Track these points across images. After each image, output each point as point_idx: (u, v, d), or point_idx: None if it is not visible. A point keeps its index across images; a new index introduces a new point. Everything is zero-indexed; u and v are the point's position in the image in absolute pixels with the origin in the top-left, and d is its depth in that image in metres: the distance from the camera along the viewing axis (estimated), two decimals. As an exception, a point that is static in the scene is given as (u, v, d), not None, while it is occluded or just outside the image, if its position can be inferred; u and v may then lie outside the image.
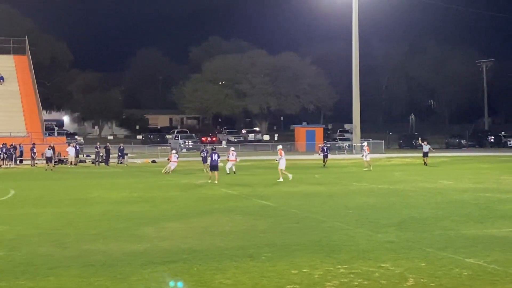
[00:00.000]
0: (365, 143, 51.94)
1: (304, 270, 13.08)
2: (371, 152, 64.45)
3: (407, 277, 12.52)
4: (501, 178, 36.88)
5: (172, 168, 42.56)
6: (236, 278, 12.50)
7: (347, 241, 16.40)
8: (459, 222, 19.50)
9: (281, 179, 35.35)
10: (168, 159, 44.46)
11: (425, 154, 49.75)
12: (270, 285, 12.03)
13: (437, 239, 16.69)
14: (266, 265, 13.64)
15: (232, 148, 43.68)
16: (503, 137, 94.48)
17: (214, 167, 35.05)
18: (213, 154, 35.57)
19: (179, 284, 12.08)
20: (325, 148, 52.34)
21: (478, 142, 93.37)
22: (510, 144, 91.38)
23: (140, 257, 14.54)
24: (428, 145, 51.00)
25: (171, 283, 12.16)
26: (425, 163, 49.00)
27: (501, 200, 25.29)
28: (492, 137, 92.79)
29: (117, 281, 12.49)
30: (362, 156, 47.19)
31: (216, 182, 34.32)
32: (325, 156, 51.05)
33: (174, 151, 45.39)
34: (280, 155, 36.96)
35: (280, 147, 38.75)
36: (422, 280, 12.29)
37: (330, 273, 12.87)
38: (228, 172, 40.91)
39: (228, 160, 41.79)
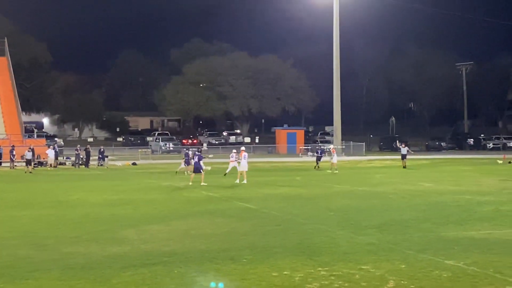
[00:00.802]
0: (331, 146, 52.40)
1: (285, 273, 13.10)
2: (352, 155, 64.89)
3: (387, 279, 12.57)
4: (481, 180, 37.13)
5: (183, 166, 41.38)
6: (217, 281, 12.49)
7: (328, 243, 16.44)
8: (439, 224, 19.62)
9: (245, 181, 35.37)
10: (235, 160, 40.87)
11: (404, 157, 49.86)
12: (251, 287, 12.03)
13: (417, 241, 16.77)
14: (247, 267, 13.65)
15: (234, 150, 42.79)
16: (482, 140, 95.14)
17: (196, 169, 35.02)
18: (196, 157, 35.59)
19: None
20: (319, 151, 51.98)
21: (458, 144, 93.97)
22: (489, 146, 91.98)
23: (121, 260, 14.49)
24: (406, 147, 51.20)
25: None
26: (404, 165, 49.11)
27: (480, 202, 25.46)
28: (472, 139, 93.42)
29: (97, 284, 12.44)
30: (331, 158, 47.24)
31: (202, 184, 34.28)
32: (318, 159, 50.67)
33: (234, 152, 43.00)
34: (241, 156, 37.00)
35: (243, 148, 38.60)
36: (402, 282, 12.34)
37: (311, 275, 12.89)
38: (226, 172, 39.48)
39: (230, 161, 40.04)
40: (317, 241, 16.79)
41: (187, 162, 41.20)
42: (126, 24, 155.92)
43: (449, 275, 12.88)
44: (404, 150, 50.33)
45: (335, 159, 46.29)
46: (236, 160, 39.31)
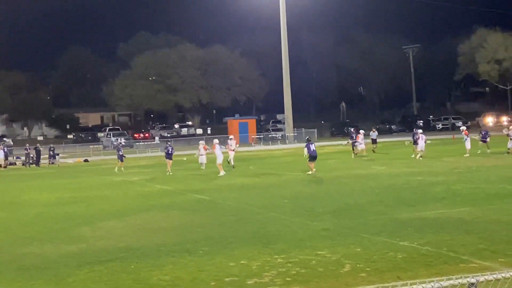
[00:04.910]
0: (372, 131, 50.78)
1: (242, 262, 13.13)
2: (304, 142, 64.48)
3: (343, 263, 12.68)
4: (431, 161, 37.62)
5: (231, 156, 39.99)
6: (174, 274, 12.47)
7: (283, 231, 16.51)
8: (393, 207, 19.85)
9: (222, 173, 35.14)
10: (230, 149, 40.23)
11: (374, 141, 49.26)
12: (208, 279, 12.03)
13: (371, 224, 16.94)
14: (203, 259, 13.64)
15: (231, 137, 42.16)
16: (431, 121, 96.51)
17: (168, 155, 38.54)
18: (169, 147, 38.99)
19: None
20: (353, 136, 48.13)
21: (408, 127, 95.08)
22: (438, 127, 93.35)
23: (76, 258, 14.36)
24: (376, 132, 51.03)
25: None
26: (373, 150, 47.85)
27: (432, 183, 25.81)
28: (421, 121, 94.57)
29: (53, 283, 12.31)
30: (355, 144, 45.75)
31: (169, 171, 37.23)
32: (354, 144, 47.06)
33: (202, 142, 41.15)
34: (214, 148, 36.87)
35: (216, 141, 38.22)
36: (358, 265, 12.46)
37: (268, 263, 12.94)
38: (232, 164, 39.06)
39: (229, 150, 39.66)
40: (273, 230, 16.84)
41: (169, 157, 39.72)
42: (71, 19, 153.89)
43: (404, 256, 13.05)
44: (374, 134, 49.92)
45: (363, 145, 45.42)
46: (234, 149, 39.68)
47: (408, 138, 48.95)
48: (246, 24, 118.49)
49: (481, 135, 42.64)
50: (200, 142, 40.77)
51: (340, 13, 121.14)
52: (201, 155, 39.30)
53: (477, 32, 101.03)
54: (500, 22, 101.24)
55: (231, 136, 42.06)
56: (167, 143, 41.78)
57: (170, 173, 37.29)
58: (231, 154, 39.59)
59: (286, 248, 14.27)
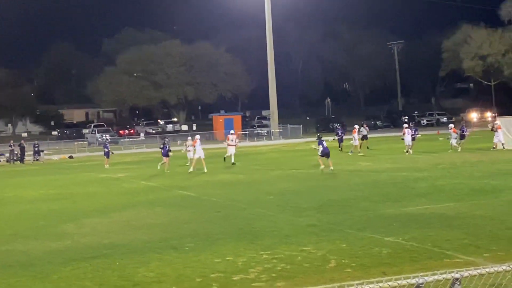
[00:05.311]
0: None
1: (228, 258, 13.12)
2: (290, 137, 64.59)
3: (329, 259, 12.70)
4: (417, 157, 37.76)
5: (232, 152, 39.19)
6: (159, 270, 12.45)
7: (269, 227, 16.52)
8: (378, 202, 19.91)
9: (205, 170, 35.06)
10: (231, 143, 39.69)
11: (365, 137, 49.01)
12: (194, 275, 12.02)
13: (357, 220, 16.98)
14: (189, 255, 13.63)
15: (232, 131, 41.82)
16: (416, 117, 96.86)
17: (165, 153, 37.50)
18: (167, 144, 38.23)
19: None
20: (339, 132, 49.26)
21: (393, 122, 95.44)
22: (423, 123, 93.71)
23: (61, 255, 14.30)
24: (367, 127, 50.89)
25: None
26: (365, 146, 47.55)
27: (417, 179, 25.92)
28: (406, 117, 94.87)
29: (38, 280, 12.26)
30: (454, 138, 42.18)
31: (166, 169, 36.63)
32: (340, 140, 47.48)
33: (190, 138, 41.12)
34: (195, 144, 36.66)
35: (197, 136, 38.16)
36: (343, 261, 12.49)
37: (254, 259, 12.94)
38: (232, 161, 38.65)
39: (228, 145, 39.38)
40: (258, 226, 16.85)
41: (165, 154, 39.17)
42: (55, 15, 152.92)
43: (389, 251, 13.09)
44: (364, 130, 49.62)
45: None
46: (236, 144, 39.31)
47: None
48: (231, 20, 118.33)
49: (461, 131, 42.71)
50: (188, 138, 40.63)
51: (325, 9, 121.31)
52: (189, 151, 39.20)
53: (462, 28, 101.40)
54: (484, 18, 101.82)
55: (232, 131, 41.53)
56: (164, 140, 40.42)
57: (167, 171, 36.26)
58: (231, 150, 39.05)
59: (272, 244, 14.28)
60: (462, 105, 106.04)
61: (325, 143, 32.78)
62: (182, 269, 12.48)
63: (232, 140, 39.39)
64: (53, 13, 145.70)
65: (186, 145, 39.14)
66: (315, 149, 33.55)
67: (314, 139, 37.04)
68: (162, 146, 38.56)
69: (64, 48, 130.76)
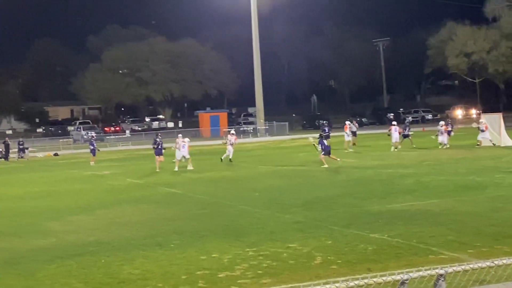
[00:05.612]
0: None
1: (214, 255, 13.11)
2: (276, 134, 64.26)
3: (314, 255, 12.71)
4: (402, 153, 37.87)
5: (231, 152, 38.55)
6: (144, 268, 12.42)
7: (255, 224, 16.53)
8: (363, 199, 19.95)
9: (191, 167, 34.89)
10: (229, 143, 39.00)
11: (354, 134, 48.74)
12: (179, 272, 12.00)
13: (342, 216, 17.02)
14: (175, 252, 13.61)
15: (232, 131, 41.41)
16: (402, 114, 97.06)
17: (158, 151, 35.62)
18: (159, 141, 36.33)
19: None
20: (326, 129, 47.83)
21: (379, 119, 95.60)
22: (408, 120, 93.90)
23: (46, 253, 14.25)
24: (356, 124, 50.76)
25: None
26: (353, 143, 47.36)
27: (402, 175, 26.00)
28: (392, 114, 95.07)
29: (22, 278, 12.20)
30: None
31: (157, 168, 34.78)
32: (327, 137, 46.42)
33: (180, 135, 38.75)
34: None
35: (180, 135, 37.54)
36: (329, 257, 12.50)
37: (239, 256, 12.94)
38: (230, 159, 38.15)
39: (227, 144, 38.92)
40: (244, 223, 16.86)
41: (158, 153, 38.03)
42: (39, 12, 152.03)
43: (375, 248, 13.12)
44: (354, 127, 49.34)
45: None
46: (234, 143, 38.99)
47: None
48: (217, 17, 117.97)
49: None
50: (179, 135, 40.20)
51: (310, 6, 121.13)
52: (178, 148, 38.74)
53: (447, 25, 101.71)
54: (469, 15, 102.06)
55: (232, 131, 41.09)
56: (156, 137, 37.62)
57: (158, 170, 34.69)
58: (230, 150, 38.52)
59: (257, 241, 14.29)
60: (447, 102, 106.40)
61: (325, 142, 32.76)
62: (167, 266, 12.46)
63: (230, 140, 39.16)
64: (38, 10, 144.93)
65: (176, 142, 38.59)
66: (314, 145, 33.48)
67: (316, 136, 36.51)
68: (155, 144, 36.24)
69: (49, 44, 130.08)
